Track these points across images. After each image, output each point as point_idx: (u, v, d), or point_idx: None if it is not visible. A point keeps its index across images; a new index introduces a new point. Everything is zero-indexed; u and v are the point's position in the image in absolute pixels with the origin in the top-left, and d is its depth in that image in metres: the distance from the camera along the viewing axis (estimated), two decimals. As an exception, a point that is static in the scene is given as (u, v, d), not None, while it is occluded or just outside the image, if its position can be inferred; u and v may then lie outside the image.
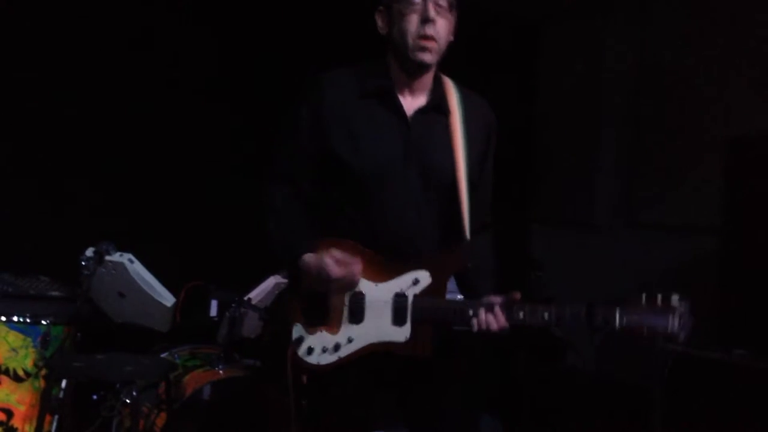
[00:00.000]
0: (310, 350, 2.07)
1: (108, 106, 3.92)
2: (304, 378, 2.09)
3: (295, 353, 2.07)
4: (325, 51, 4.05)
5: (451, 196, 2.12)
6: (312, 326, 2.09)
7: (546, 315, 1.98)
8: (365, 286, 2.08)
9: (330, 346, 2.07)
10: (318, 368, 2.07)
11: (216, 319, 3.34)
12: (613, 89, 4.80)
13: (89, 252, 3.03)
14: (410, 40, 2.05)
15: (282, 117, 2.21)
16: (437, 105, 2.14)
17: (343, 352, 2.07)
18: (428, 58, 2.08)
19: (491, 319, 2.00)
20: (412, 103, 2.13)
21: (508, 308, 2.01)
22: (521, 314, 2.00)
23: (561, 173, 5.10)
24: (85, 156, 3.84)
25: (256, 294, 3.27)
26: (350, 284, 2.05)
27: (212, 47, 4.20)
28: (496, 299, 2.04)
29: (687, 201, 4.19)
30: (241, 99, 4.24)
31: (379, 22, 2.12)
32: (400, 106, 2.11)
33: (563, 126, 5.10)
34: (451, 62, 2.15)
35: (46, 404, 2.90)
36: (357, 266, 2.03)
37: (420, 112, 2.13)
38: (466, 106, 2.16)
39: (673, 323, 1.88)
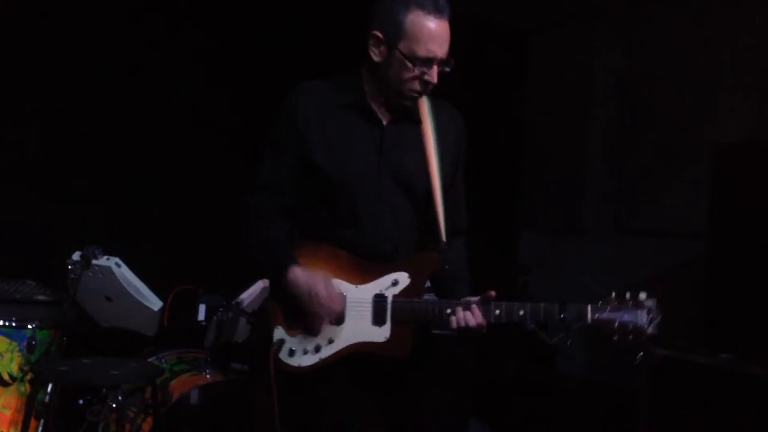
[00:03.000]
0: (291, 352, 2.09)
1: (96, 110, 3.90)
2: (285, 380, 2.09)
3: (277, 355, 2.09)
4: (313, 59, 4.08)
5: (426, 202, 2.18)
6: (293, 328, 2.11)
7: (521, 312, 2.04)
8: (345, 288, 2.12)
9: (311, 347, 2.10)
10: (299, 370, 2.09)
11: (204, 323, 3.33)
12: (601, 96, 4.83)
13: (76, 256, 3.01)
14: (404, 89, 2.09)
15: (269, 126, 2.23)
16: (409, 114, 2.18)
17: (324, 353, 2.10)
18: (412, 104, 2.15)
19: (469, 316, 2.05)
20: (385, 112, 2.17)
21: (484, 306, 2.06)
22: (497, 311, 2.05)
23: (550, 179, 5.12)
24: (72, 159, 3.82)
25: (244, 298, 3.26)
26: (332, 314, 2.09)
27: (206, 52, 4.19)
28: (473, 298, 2.09)
29: (674, 206, 4.22)
30: (231, 105, 4.23)
31: (374, 49, 2.09)
32: (374, 115, 2.15)
33: (552, 132, 5.12)
34: (441, 71, 2.14)
35: (31, 408, 2.88)
36: (343, 304, 2.09)
37: (393, 121, 2.17)
38: (436, 113, 2.21)
39: (642, 318, 1.98)
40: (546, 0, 4.75)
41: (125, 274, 3.11)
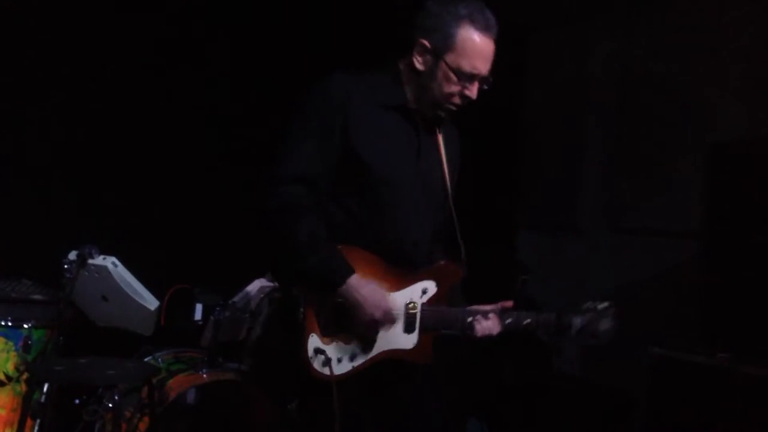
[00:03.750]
0: (326, 361, 2.04)
1: (93, 109, 3.89)
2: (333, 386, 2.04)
3: (311, 365, 2.04)
4: (311, 59, 4.08)
5: (444, 208, 2.25)
6: (328, 336, 2.07)
7: (527, 321, 2.17)
8: None
9: (346, 355, 2.08)
10: (332, 378, 2.03)
11: (200, 322, 3.32)
12: (597, 96, 4.83)
13: (72, 255, 3.00)
14: (443, 100, 2.12)
15: (285, 116, 2.15)
16: (433, 124, 2.23)
17: (358, 361, 2.10)
18: (445, 115, 2.19)
19: (491, 325, 2.13)
20: (419, 118, 2.20)
21: (501, 315, 2.16)
22: (509, 320, 2.16)
23: (547, 178, 5.12)
24: (68, 158, 3.81)
25: (241, 297, 3.25)
26: (389, 325, 2.10)
27: (203, 51, 4.18)
28: (488, 307, 2.16)
29: (670, 206, 4.22)
30: (228, 104, 4.23)
31: (418, 57, 2.10)
32: (414, 120, 2.18)
33: (549, 132, 5.12)
34: (480, 88, 2.17)
35: (27, 408, 2.87)
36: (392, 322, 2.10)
37: (425, 128, 2.21)
38: (444, 129, 2.27)
39: (608, 324, 2.18)
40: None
41: (122, 273, 3.10)
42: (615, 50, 4.70)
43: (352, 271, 2.04)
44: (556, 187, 5.04)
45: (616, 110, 4.69)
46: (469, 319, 2.12)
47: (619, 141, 4.66)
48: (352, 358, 2.08)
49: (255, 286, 3.26)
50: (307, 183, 2.07)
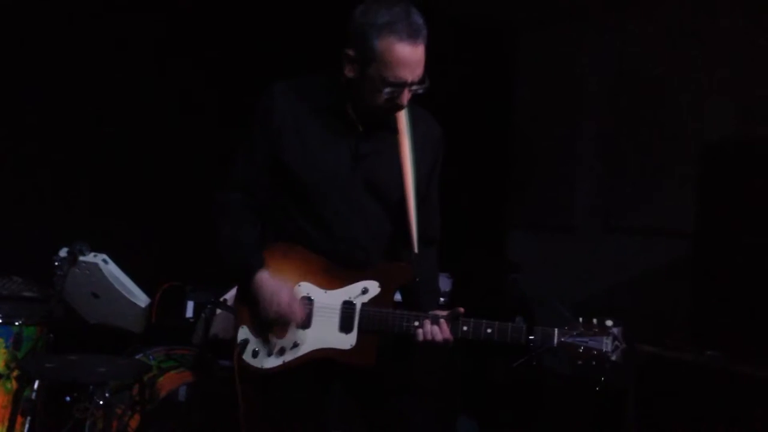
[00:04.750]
0: (255, 353, 2.10)
1: (83, 106, 3.88)
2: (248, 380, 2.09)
3: (240, 356, 2.09)
4: (289, 59, 4.07)
5: (399, 210, 2.18)
6: (257, 329, 2.11)
7: (489, 330, 2.06)
8: (314, 292, 2.12)
9: (275, 350, 2.10)
10: (262, 371, 2.09)
11: (191, 320, 3.32)
12: (590, 96, 4.84)
13: (63, 252, 3.00)
14: (375, 107, 2.08)
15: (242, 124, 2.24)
16: (386, 123, 2.17)
17: (288, 356, 2.10)
18: (386, 118, 2.14)
19: (436, 330, 2.07)
20: (362, 119, 2.15)
21: (453, 321, 2.07)
22: (465, 328, 2.08)
23: (539, 178, 5.13)
24: (59, 155, 3.81)
25: (232, 295, 3.24)
26: (288, 322, 2.10)
27: (194, 51, 4.17)
28: (442, 312, 2.10)
29: (663, 206, 4.24)
30: (218, 103, 4.22)
31: (347, 65, 2.07)
32: (351, 121, 2.14)
33: (541, 131, 5.13)
34: (429, 69, 2.12)
35: (18, 406, 2.86)
36: (303, 314, 2.09)
37: (369, 128, 2.15)
38: (413, 123, 2.20)
39: (607, 345, 2.03)
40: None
41: (112, 270, 3.10)
42: (607, 50, 4.71)
43: (257, 268, 2.09)
44: (549, 187, 5.05)
45: (609, 110, 4.70)
46: (416, 323, 2.07)
47: (612, 141, 4.67)
48: (281, 353, 2.09)
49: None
50: (242, 190, 2.18)
